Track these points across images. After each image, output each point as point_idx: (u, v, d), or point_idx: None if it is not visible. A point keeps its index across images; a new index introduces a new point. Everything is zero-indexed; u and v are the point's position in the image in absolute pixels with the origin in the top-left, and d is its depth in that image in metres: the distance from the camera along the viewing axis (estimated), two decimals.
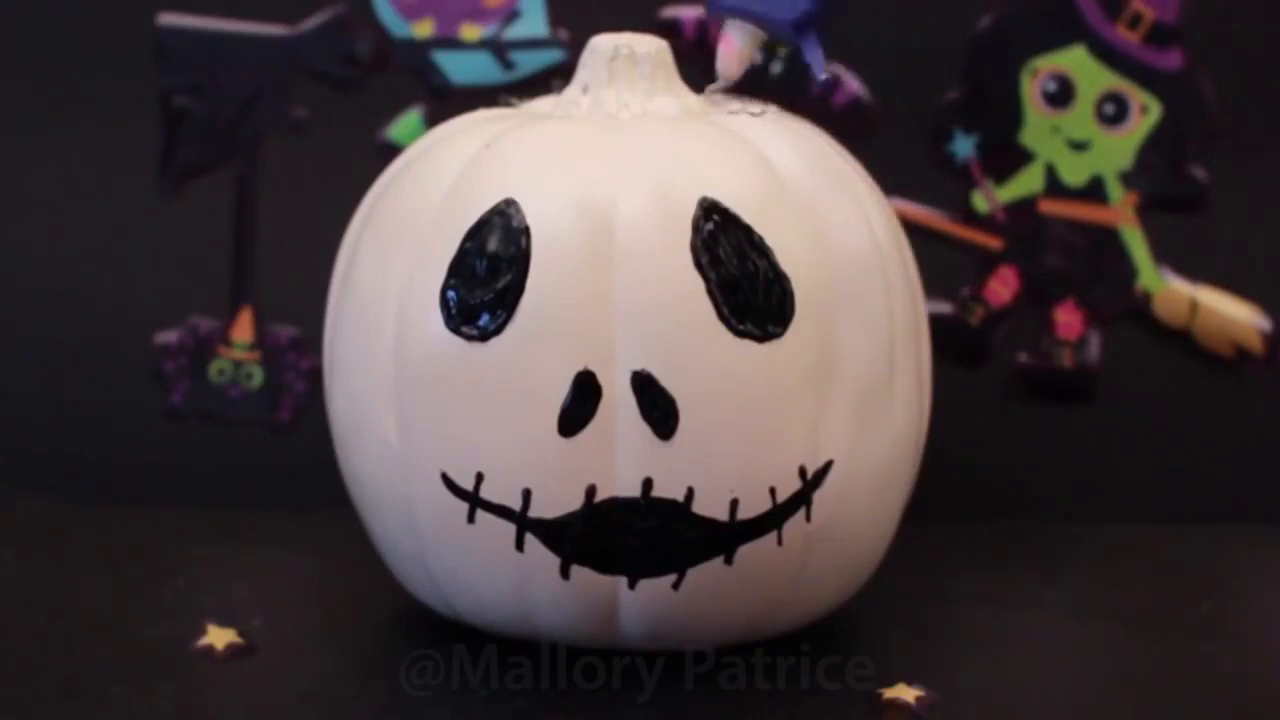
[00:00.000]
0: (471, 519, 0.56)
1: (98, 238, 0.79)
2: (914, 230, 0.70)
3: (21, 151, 0.80)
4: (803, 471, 0.56)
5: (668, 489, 0.55)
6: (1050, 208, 0.79)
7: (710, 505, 0.55)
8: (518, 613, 0.58)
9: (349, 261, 0.61)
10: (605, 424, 0.55)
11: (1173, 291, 0.80)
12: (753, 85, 0.65)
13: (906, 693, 0.57)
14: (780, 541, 0.56)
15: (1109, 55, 0.79)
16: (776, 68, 0.76)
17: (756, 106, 0.62)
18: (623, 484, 0.55)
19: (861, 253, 0.58)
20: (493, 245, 0.56)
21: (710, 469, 0.55)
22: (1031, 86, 0.80)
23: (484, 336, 0.55)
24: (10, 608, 0.65)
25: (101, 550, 0.73)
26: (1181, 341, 0.80)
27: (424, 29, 0.78)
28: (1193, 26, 0.80)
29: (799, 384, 0.56)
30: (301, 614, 0.65)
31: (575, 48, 0.64)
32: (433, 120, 0.73)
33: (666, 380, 0.54)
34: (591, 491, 0.55)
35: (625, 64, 0.60)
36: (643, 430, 0.55)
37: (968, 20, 0.80)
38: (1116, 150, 0.80)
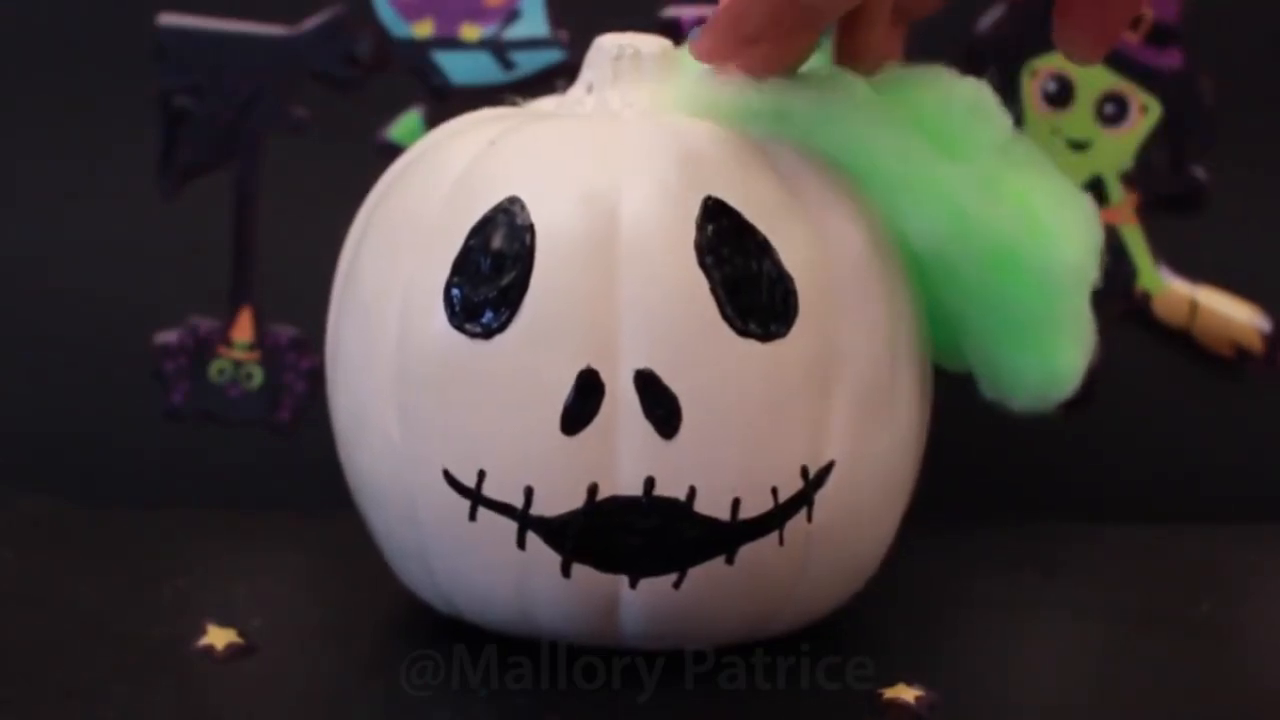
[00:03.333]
0: (473, 516, 0.56)
1: (98, 238, 0.79)
2: None
3: (21, 151, 0.80)
4: (805, 471, 0.56)
5: (670, 488, 0.55)
6: None
7: (712, 505, 0.55)
8: (518, 611, 0.58)
9: (352, 259, 0.61)
10: (608, 422, 0.54)
11: (1173, 291, 0.80)
12: None
13: (906, 693, 0.57)
14: (782, 541, 0.56)
15: (1109, 55, 0.79)
16: None
17: None
18: (625, 483, 0.55)
19: (865, 252, 0.58)
20: (497, 243, 0.56)
21: (712, 468, 0.55)
22: (1031, 86, 0.80)
23: (487, 334, 0.55)
24: (10, 608, 0.65)
25: (101, 550, 0.73)
26: (1181, 341, 0.80)
27: (424, 29, 0.78)
28: (1193, 26, 0.80)
29: (802, 384, 0.56)
30: (301, 614, 0.65)
31: (575, 48, 0.64)
32: (433, 120, 0.74)
33: (669, 379, 0.54)
34: (593, 490, 0.55)
35: (630, 64, 0.60)
36: (645, 429, 0.54)
37: (968, 20, 0.80)
38: (1116, 150, 0.80)
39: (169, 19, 0.79)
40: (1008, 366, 0.61)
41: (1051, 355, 0.60)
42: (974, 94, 0.60)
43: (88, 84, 0.79)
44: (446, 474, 0.56)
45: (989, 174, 0.59)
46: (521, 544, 0.56)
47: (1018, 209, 0.59)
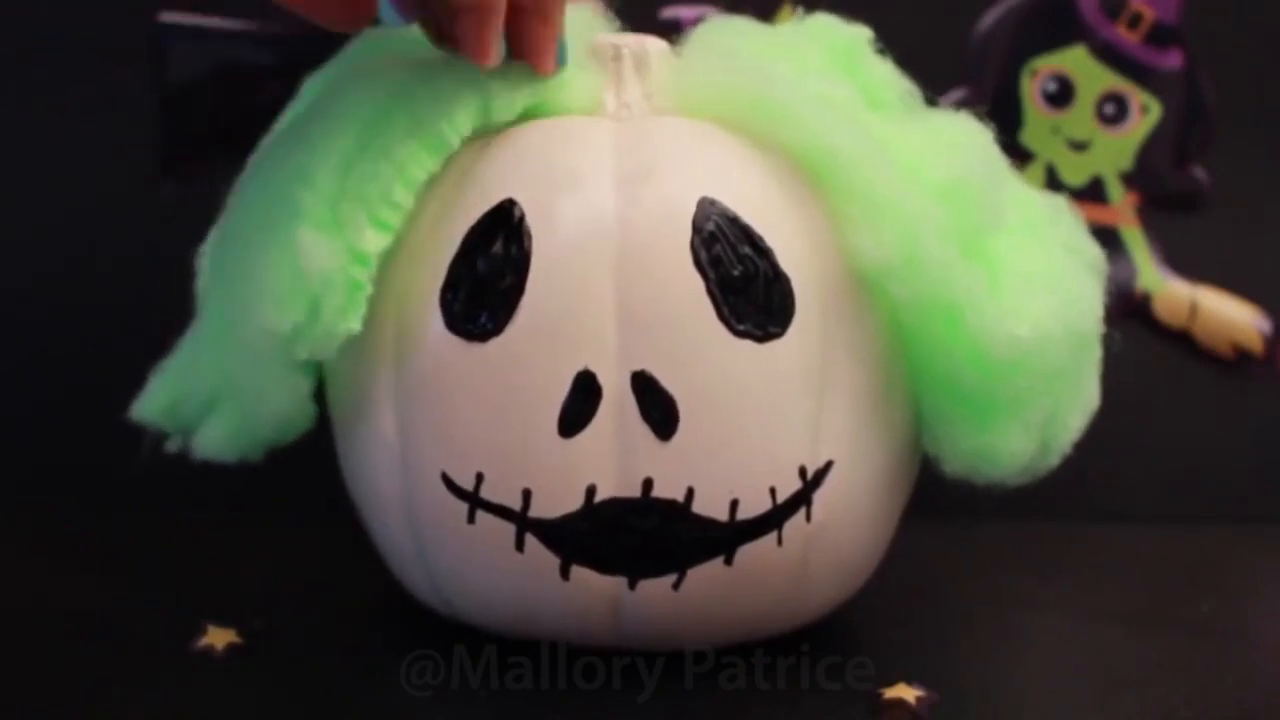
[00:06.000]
0: (472, 519, 0.56)
1: (97, 236, 0.79)
2: None
3: (21, 150, 0.80)
4: (803, 471, 0.56)
5: (668, 489, 0.55)
6: None
7: (710, 505, 0.55)
8: (518, 613, 0.58)
9: None
10: (605, 424, 0.55)
11: (1173, 292, 0.80)
12: None
13: (906, 693, 0.56)
14: (780, 542, 0.56)
15: (1109, 55, 0.79)
16: None
17: None
18: (623, 484, 0.55)
19: None
20: (493, 245, 0.56)
21: (710, 469, 0.55)
22: (1031, 86, 0.80)
23: (484, 336, 0.55)
24: (10, 608, 0.65)
25: (101, 550, 0.73)
26: (1181, 341, 0.80)
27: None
28: (1193, 26, 0.80)
29: (799, 384, 0.56)
30: (301, 614, 0.65)
31: None
32: None
33: (666, 380, 0.54)
34: (591, 492, 0.55)
35: (627, 64, 0.60)
36: (643, 430, 0.54)
37: (968, 20, 0.80)
38: (1116, 150, 0.80)
39: (169, 17, 0.79)
40: (943, 425, 0.58)
41: (985, 430, 0.58)
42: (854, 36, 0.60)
43: (88, 83, 0.79)
44: (444, 477, 0.56)
45: (971, 222, 0.56)
46: (520, 546, 0.56)
47: (985, 267, 0.56)
